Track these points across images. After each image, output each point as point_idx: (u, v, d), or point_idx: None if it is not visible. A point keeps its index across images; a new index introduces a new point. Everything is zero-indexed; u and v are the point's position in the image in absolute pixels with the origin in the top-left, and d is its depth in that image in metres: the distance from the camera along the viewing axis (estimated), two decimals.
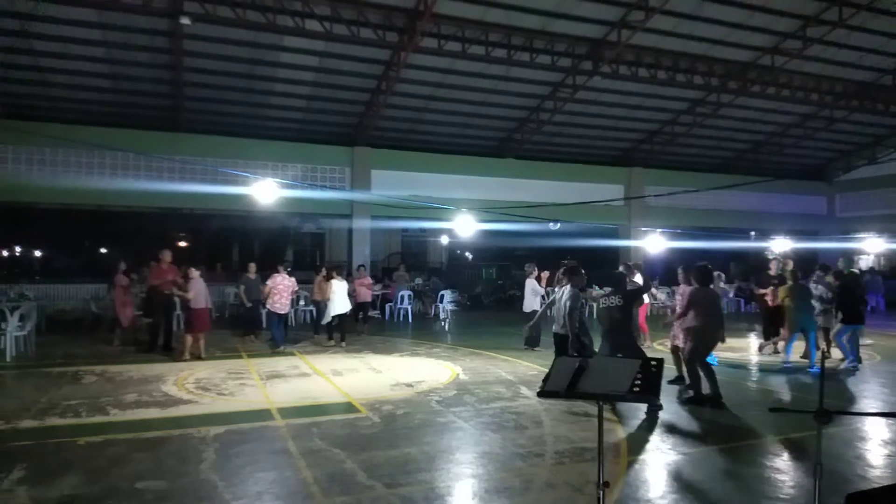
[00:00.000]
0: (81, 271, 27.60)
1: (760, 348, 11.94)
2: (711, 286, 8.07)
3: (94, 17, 13.33)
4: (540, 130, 19.99)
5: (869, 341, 12.60)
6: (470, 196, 19.23)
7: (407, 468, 5.33)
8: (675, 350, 8.94)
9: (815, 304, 10.77)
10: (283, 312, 11.96)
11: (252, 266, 13.69)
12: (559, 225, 18.31)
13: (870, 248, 23.97)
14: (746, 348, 12.55)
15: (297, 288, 12.49)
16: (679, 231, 19.48)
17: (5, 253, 36.88)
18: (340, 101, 17.84)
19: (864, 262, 26.07)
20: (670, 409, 7.35)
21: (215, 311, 17.71)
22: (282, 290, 11.89)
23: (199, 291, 10.73)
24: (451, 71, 16.50)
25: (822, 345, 10.58)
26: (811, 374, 9.64)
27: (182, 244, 31.89)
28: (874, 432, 6.47)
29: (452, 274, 26.04)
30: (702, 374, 7.65)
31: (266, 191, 14.78)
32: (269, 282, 12.03)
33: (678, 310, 8.42)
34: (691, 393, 7.74)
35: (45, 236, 35.11)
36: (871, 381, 9.33)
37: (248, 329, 13.50)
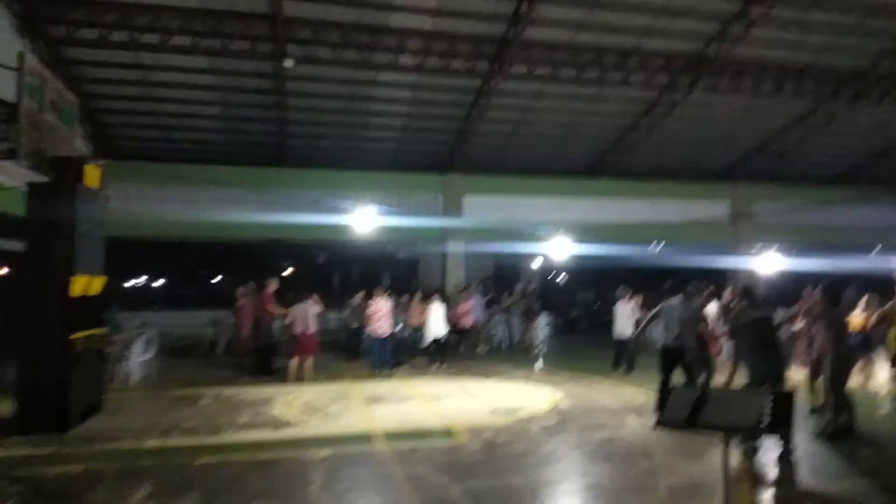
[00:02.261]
0: (198, 299, 29.53)
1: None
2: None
3: (205, 64, 14.41)
4: (636, 149, 19.44)
5: None
6: (564, 217, 18.90)
7: (512, 499, 5.21)
8: (812, 377, 8.02)
9: None
10: (383, 336, 12.14)
11: (361, 294, 14.34)
12: (662, 245, 17.65)
13: None
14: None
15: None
16: (792, 249, 18.21)
17: (128, 284, 40.06)
18: (432, 130, 18.18)
19: None
20: (804, 441, 6.70)
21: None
22: (379, 313, 12.13)
23: (297, 317, 11.16)
24: (542, 95, 16.43)
25: None
26: None
27: (286, 273, 33.41)
28: None
29: (546, 297, 25.63)
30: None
31: (364, 219, 15.33)
32: (368, 309, 12.32)
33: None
34: (829, 424, 7.03)
35: (164, 267, 38.01)
36: None
37: (354, 353, 13.85)
